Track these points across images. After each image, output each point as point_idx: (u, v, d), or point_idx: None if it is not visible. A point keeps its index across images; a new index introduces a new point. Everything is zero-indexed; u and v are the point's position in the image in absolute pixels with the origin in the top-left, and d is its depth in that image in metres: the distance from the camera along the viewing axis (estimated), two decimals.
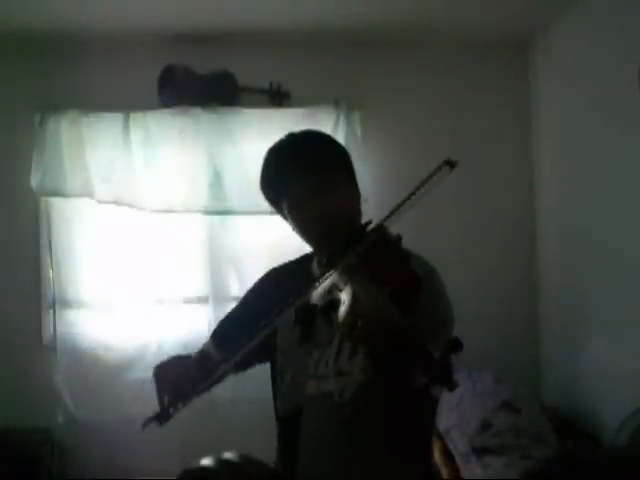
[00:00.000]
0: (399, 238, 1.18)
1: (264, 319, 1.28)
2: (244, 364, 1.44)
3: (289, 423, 1.35)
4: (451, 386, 0.93)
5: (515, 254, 3.20)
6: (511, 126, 3.24)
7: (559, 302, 3.03)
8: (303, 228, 1.34)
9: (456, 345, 0.94)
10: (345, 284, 1.11)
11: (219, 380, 1.40)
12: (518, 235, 3.21)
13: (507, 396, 2.62)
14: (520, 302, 3.18)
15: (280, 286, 1.40)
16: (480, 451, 2.43)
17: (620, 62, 2.42)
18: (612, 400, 2.50)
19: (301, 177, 1.30)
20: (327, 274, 1.18)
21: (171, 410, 1.35)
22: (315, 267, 1.39)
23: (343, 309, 1.03)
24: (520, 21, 2.97)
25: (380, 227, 1.23)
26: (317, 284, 1.21)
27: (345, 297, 1.05)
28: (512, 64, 3.23)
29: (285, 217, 1.37)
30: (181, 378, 1.38)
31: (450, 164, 1.14)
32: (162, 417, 1.35)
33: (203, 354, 1.50)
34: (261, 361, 1.48)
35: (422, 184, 1.15)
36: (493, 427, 2.49)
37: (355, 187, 1.38)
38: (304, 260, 1.46)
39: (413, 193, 1.16)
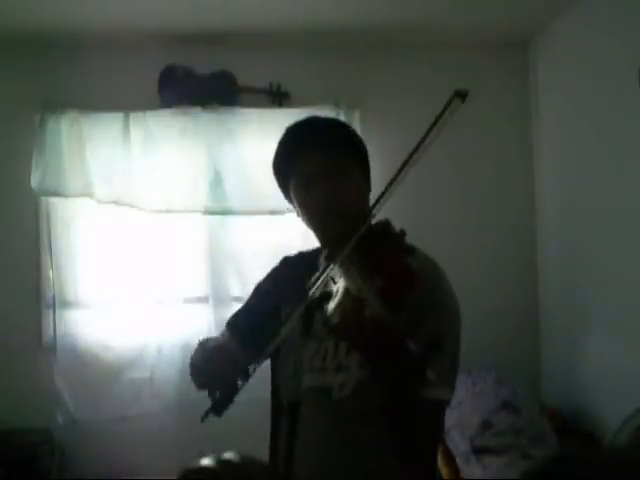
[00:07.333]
0: (403, 234, 1.12)
1: (276, 307, 1.24)
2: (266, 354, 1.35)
3: (288, 415, 1.31)
4: (425, 383, 0.94)
5: (515, 254, 3.20)
6: (511, 126, 3.24)
7: (559, 302, 3.03)
8: (306, 213, 1.27)
9: (435, 343, 0.93)
10: (340, 277, 1.08)
11: (248, 374, 1.29)
12: (518, 234, 3.21)
13: (507, 396, 2.62)
14: (520, 302, 3.18)
15: (291, 277, 1.36)
16: (480, 451, 2.43)
17: (620, 62, 2.42)
18: (612, 400, 2.50)
19: (309, 157, 1.24)
20: (327, 267, 1.15)
21: (226, 400, 1.28)
22: (322, 259, 1.34)
23: (331, 304, 1.00)
24: (520, 21, 2.97)
25: (385, 223, 1.19)
26: (318, 277, 1.16)
27: (338, 290, 1.02)
28: (512, 64, 3.23)
29: (292, 202, 1.31)
30: (227, 367, 1.30)
31: (461, 95, 1.06)
32: (219, 408, 1.29)
33: (221, 345, 1.39)
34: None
35: (436, 121, 1.07)
36: (493, 427, 2.49)
37: (366, 180, 1.32)
38: (315, 252, 1.40)
39: (427, 133, 1.07)
